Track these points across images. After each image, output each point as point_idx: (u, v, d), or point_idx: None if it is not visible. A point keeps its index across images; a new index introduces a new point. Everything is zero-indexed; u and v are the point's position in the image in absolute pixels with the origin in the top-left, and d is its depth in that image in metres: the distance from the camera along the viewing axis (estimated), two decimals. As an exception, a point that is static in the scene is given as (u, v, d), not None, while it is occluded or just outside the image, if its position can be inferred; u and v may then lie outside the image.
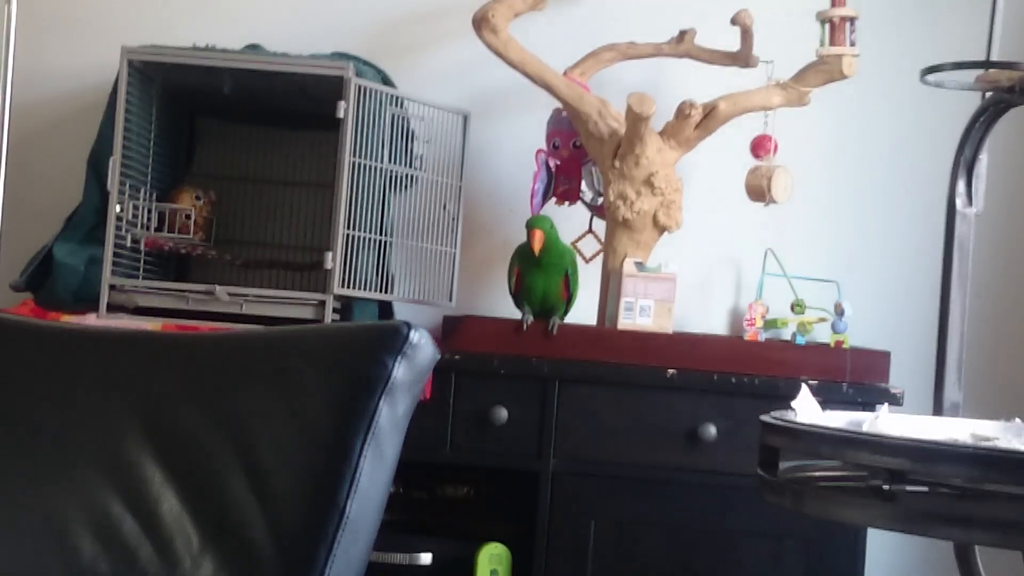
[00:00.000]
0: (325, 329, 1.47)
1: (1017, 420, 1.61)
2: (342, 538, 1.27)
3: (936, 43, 2.47)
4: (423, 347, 1.35)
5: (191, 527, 1.29)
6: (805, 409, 1.57)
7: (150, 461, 1.32)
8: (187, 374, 1.37)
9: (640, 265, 2.26)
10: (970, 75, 1.74)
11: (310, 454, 1.29)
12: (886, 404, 1.65)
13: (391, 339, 1.33)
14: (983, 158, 1.78)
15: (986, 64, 1.70)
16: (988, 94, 1.75)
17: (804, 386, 1.63)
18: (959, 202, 1.76)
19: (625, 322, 2.24)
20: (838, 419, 1.58)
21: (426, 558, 2.21)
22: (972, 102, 1.92)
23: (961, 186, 1.76)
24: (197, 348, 1.39)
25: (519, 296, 2.27)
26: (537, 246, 2.19)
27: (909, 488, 1.34)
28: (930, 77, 1.70)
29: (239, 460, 1.30)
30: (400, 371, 1.33)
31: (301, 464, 1.28)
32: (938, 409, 1.76)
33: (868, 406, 2.09)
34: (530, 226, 2.21)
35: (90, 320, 2.09)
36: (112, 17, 2.55)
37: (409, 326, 1.36)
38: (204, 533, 1.29)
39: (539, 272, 2.23)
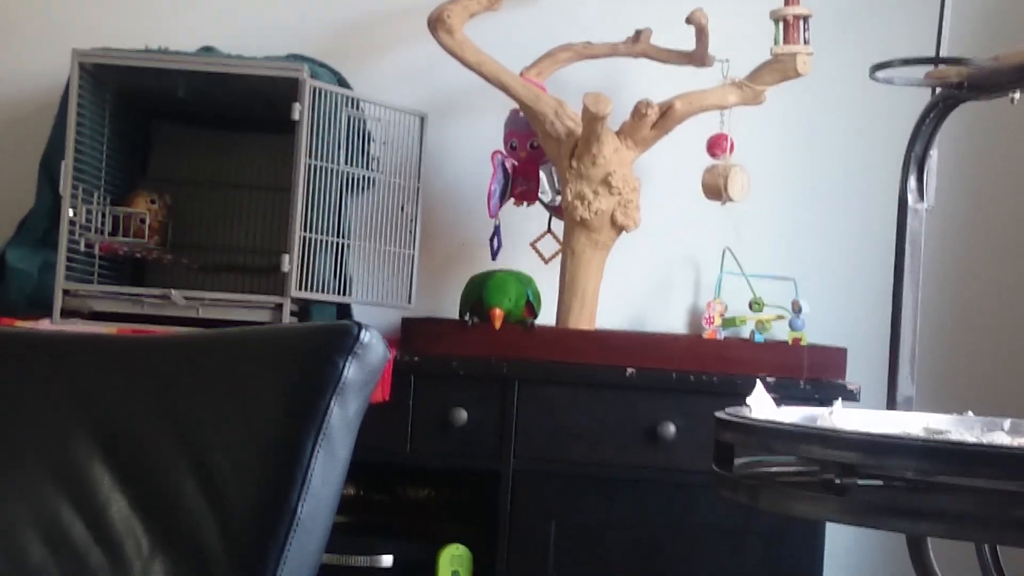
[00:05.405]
0: (275, 330, 1.47)
1: (969, 413, 1.63)
2: (294, 539, 1.26)
3: (888, 40, 2.49)
4: (374, 347, 1.35)
5: (141, 530, 1.28)
6: (760, 405, 1.58)
7: (99, 464, 1.31)
8: (136, 377, 1.36)
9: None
10: (920, 71, 1.75)
11: (261, 455, 1.28)
12: (840, 399, 1.66)
13: (341, 339, 1.32)
14: (933, 154, 1.79)
15: (935, 60, 1.71)
16: (938, 90, 1.76)
17: (759, 382, 1.63)
18: (910, 198, 1.77)
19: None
20: (793, 415, 1.58)
21: (387, 560, 2.21)
22: (924, 98, 1.93)
23: (912, 182, 1.77)
24: (145, 350, 1.38)
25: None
26: (498, 324, 2.17)
27: (861, 482, 1.34)
28: (880, 74, 1.71)
29: (189, 462, 1.29)
30: (351, 371, 1.32)
31: (252, 466, 1.28)
32: (892, 403, 1.77)
33: (825, 402, 2.10)
34: (489, 306, 2.18)
35: (44, 326, 2.07)
36: (63, 19, 2.53)
37: (360, 326, 1.35)
38: (154, 536, 1.28)
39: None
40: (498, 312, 2.17)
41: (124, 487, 1.31)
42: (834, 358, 2.20)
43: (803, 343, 2.28)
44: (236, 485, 1.28)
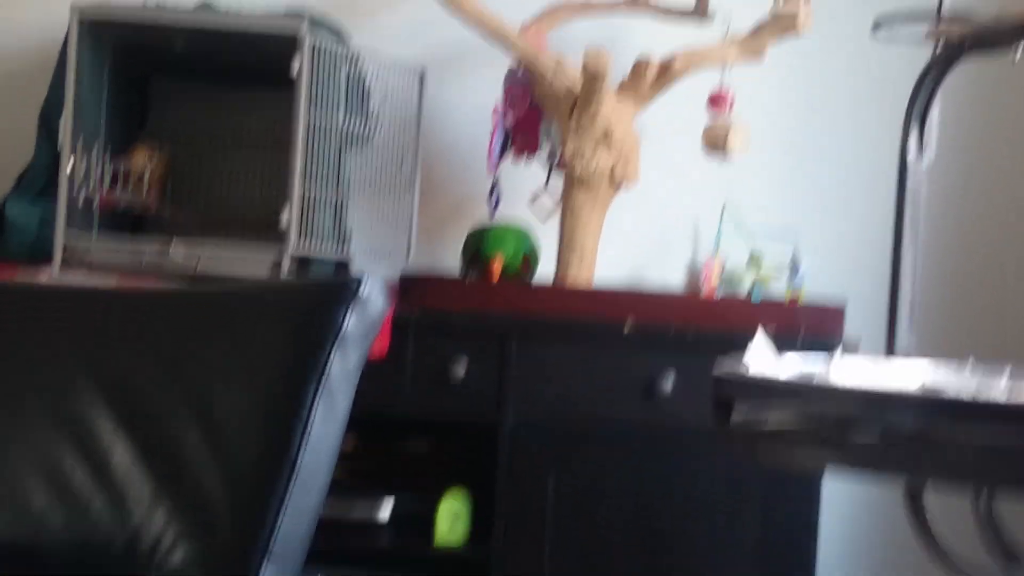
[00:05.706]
0: (276, 283, 1.48)
1: (972, 360, 1.63)
2: (294, 489, 1.27)
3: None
4: (374, 299, 1.35)
5: (143, 478, 1.30)
6: (759, 356, 1.58)
7: (102, 414, 1.32)
8: (139, 328, 1.36)
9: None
10: (922, 28, 1.74)
11: (262, 406, 1.29)
12: (840, 348, 1.66)
13: (342, 292, 1.33)
14: (935, 110, 1.78)
15: (937, 17, 1.71)
16: (939, 47, 1.75)
17: (760, 330, 1.63)
18: (911, 154, 1.77)
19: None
20: (793, 365, 1.58)
21: (386, 512, 2.22)
22: (926, 55, 1.93)
23: (913, 138, 1.77)
24: (148, 302, 1.39)
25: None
26: (496, 275, 2.18)
27: (859, 434, 1.35)
28: (881, 30, 1.71)
29: (191, 412, 1.30)
30: (351, 323, 1.33)
31: (253, 416, 1.29)
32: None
33: (822, 360, 2.11)
34: (488, 256, 2.19)
35: (43, 277, 2.08)
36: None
37: (360, 278, 1.36)
38: (156, 484, 1.29)
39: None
40: (497, 262, 2.18)
41: (127, 437, 1.32)
42: (831, 317, 2.20)
43: (801, 301, 2.28)
44: (237, 436, 1.29)
